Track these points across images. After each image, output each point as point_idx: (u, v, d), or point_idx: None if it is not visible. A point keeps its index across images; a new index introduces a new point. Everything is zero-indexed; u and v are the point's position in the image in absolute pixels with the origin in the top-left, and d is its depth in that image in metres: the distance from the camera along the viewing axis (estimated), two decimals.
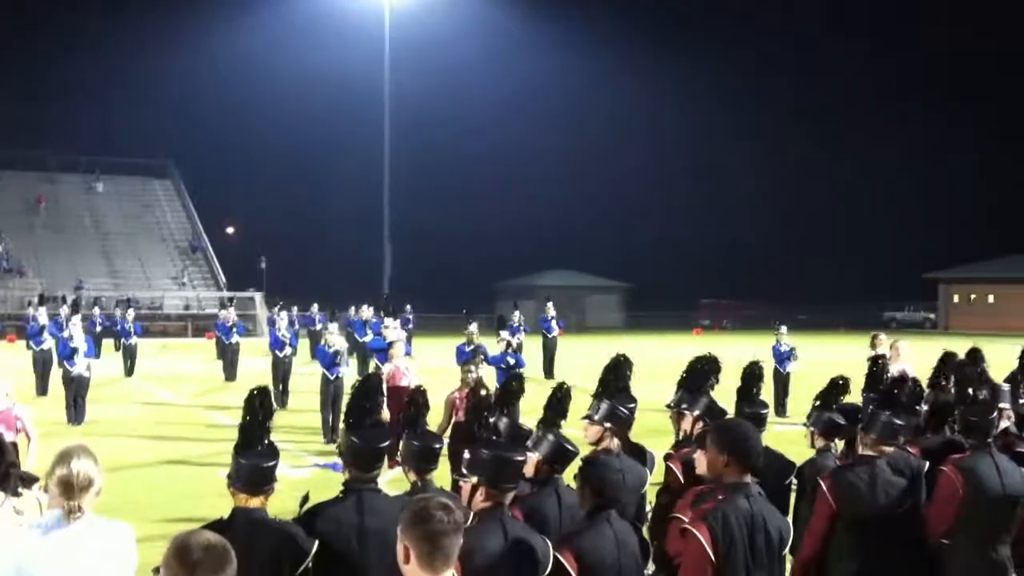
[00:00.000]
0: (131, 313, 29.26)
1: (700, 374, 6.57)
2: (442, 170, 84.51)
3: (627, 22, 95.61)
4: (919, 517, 5.60)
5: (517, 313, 25.72)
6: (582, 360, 26.14)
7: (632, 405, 6.37)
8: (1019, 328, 51.25)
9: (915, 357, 12.95)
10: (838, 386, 6.26)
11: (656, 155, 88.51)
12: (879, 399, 5.91)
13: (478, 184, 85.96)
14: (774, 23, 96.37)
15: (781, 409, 18.39)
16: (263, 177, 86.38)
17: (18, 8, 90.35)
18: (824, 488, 5.35)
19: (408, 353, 17.33)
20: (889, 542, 5.39)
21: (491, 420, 5.03)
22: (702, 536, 4.19)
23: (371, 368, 18.98)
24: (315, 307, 34.49)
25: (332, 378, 16.01)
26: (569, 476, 4.93)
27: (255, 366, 26.44)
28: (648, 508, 5.96)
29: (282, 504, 4.67)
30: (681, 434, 6.35)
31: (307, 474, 12.96)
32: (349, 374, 16.70)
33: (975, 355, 7.43)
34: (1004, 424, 6.54)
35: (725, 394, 6.52)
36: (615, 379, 6.32)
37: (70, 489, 4.11)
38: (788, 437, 10.57)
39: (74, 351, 18.11)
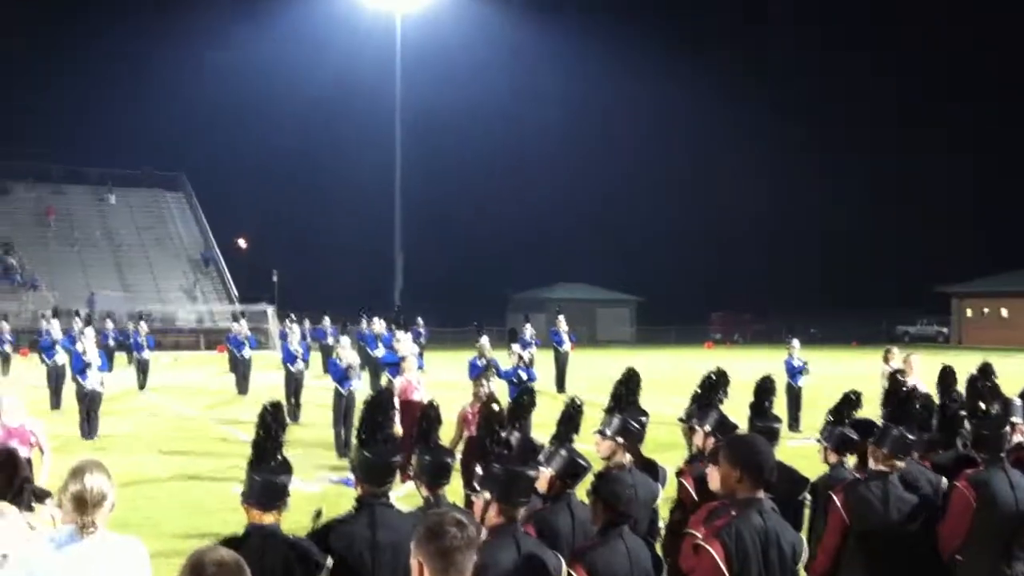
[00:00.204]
0: (144, 327, 29.33)
1: (710, 388, 6.57)
2: (453, 182, 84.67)
3: (638, 31, 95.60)
4: (932, 532, 5.58)
5: (529, 327, 25.70)
6: (593, 374, 26.14)
7: (644, 419, 6.37)
8: None
9: (928, 371, 12.88)
10: (851, 401, 6.25)
11: (668, 168, 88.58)
12: (889, 413, 5.90)
13: (489, 196, 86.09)
14: (802, 17, 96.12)
15: (794, 424, 18.33)
16: (275, 190, 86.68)
17: (28, 21, 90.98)
18: (837, 502, 5.34)
19: (420, 367, 17.37)
20: (901, 557, 5.37)
21: (503, 435, 5.04)
22: (715, 552, 4.18)
23: (383, 382, 18.98)
24: (327, 320, 34.51)
25: (344, 392, 16.02)
26: (582, 491, 4.92)
27: (267, 380, 26.47)
28: (661, 524, 5.95)
29: (295, 519, 4.68)
30: (694, 449, 6.34)
31: (319, 489, 12.95)
32: (361, 388, 16.71)
33: (987, 370, 7.40)
34: (1017, 439, 6.51)
35: (737, 409, 6.51)
36: (626, 393, 6.32)
37: (83, 504, 4.13)
38: (801, 452, 10.54)
39: (87, 365, 18.16)
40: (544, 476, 5.01)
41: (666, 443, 10.98)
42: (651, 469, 6.15)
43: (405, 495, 10.75)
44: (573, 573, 4.28)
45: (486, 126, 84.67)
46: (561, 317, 27.78)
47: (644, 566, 4.50)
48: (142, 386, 26.98)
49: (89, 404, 18.03)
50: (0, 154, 60.72)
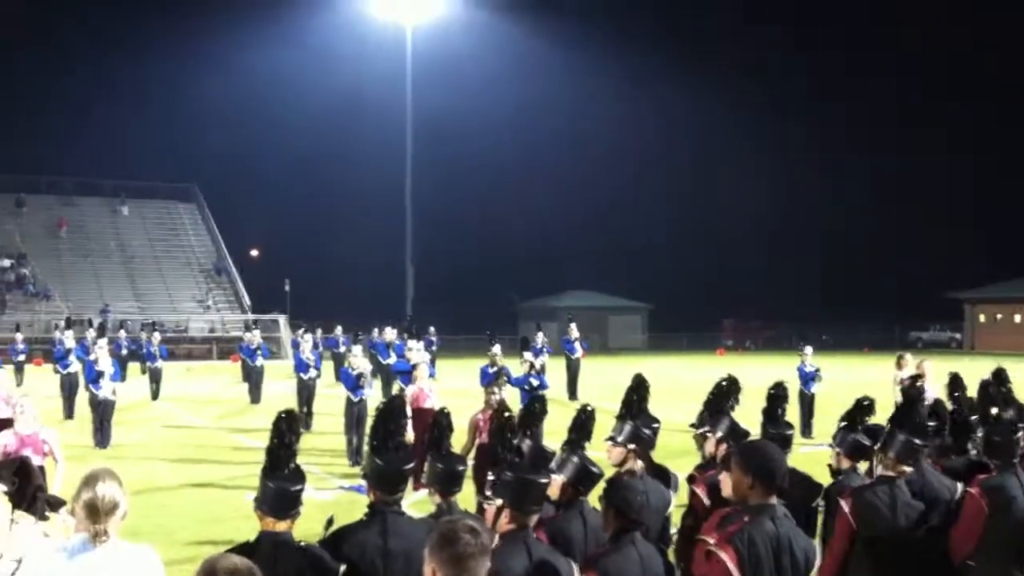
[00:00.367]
0: (156, 336, 29.45)
1: (721, 395, 6.56)
2: (464, 191, 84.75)
3: (642, 39, 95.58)
4: (941, 538, 5.57)
5: (540, 334, 25.70)
6: (605, 381, 26.11)
7: (656, 426, 6.37)
8: None
9: (941, 377, 12.84)
10: (863, 407, 6.23)
11: (676, 175, 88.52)
12: (895, 418, 5.89)
13: (499, 205, 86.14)
14: (802, 17, 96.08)
15: (806, 430, 18.29)
16: (287, 200, 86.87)
17: (41, 35, 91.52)
18: (845, 508, 5.34)
19: (432, 375, 17.38)
20: (909, 562, 5.36)
21: (515, 442, 5.04)
22: (728, 558, 4.18)
23: (395, 390, 19.00)
24: (339, 329, 34.58)
25: (356, 400, 16.04)
26: (594, 498, 4.92)
27: (280, 389, 26.53)
28: (673, 531, 5.94)
29: (307, 527, 4.68)
30: (706, 455, 6.33)
31: (332, 497, 12.96)
32: (373, 396, 16.73)
33: (1001, 375, 7.38)
34: None
35: (749, 415, 6.50)
36: (637, 400, 6.32)
37: (96, 513, 4.14)
38: (814, 458, 10.51)
39: (100, 374, 18.23)
40: (556, 483, 5.01)
41: (678, 450, 10.96)
42: (663, 476, 6.14)
43: (416, 502, 10.76)
44: None
45: (495, 135, 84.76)
46: (573, 325, 27.76)
47: (656, 573, 4.50)
48: (155, 396, 27.06)
49: (102, 413, 18.10)
50: (14, 167, 61.23)
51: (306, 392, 20.86)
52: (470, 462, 9.75)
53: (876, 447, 5.72)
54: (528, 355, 17.28)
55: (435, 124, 71.90)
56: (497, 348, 17.60)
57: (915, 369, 15.49)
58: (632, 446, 5.75)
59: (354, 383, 16.08)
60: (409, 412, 6.64)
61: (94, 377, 18.32)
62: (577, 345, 26.94)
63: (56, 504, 5.17)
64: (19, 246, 54.76)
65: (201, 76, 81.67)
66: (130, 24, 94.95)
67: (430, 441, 5.15)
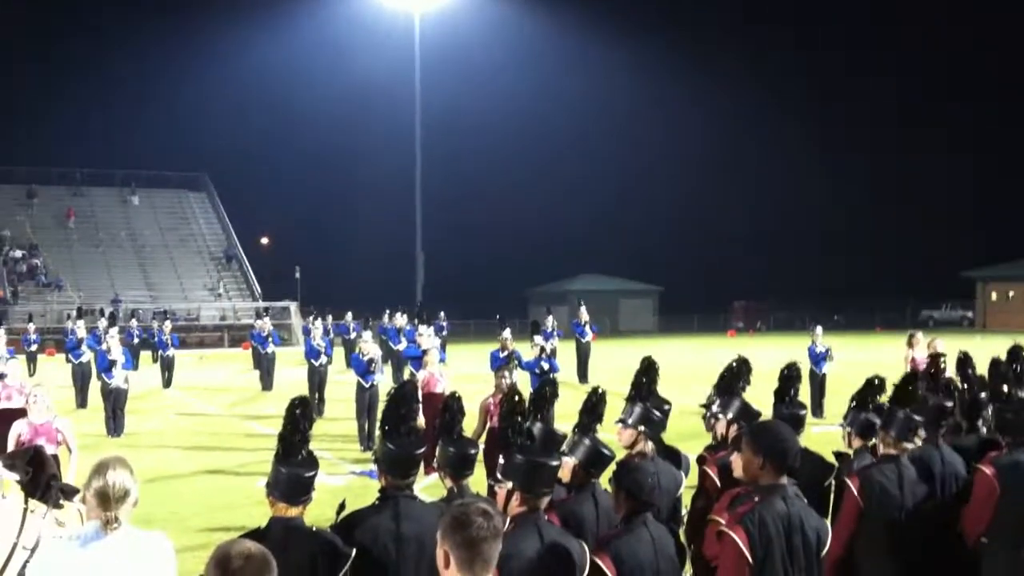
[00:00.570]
0: (168, 325, 29.51)
1: (732, 376, 6.55)
2: (473, 178, 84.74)
3: (650, 23, 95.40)
4: (949, 515, 5.57)
5: (550, 318, 25.71)
6: (616, 364, 26.10)
7: (667, 408, 6.36)
8: None
9: (952, 356, 12.81)
10: (874, 386, 6.22)
11: (688, 158, 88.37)
12: (893, 396, 5.89)
13: (509, 190, 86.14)
14: (802, 17, 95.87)
15: (818, 410, 18.27)
16: (296, 188, 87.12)
17: (51, 26, 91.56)
18: (852, 488, 5.33)
19: (442, 360, 17.38)
20: (917, 540, 5.36)
21: (525, 425, 5.04)
22: (739, 538, 4.18)
23: (406, 376, 19.02)
24: (349, 316, 34.62)
25: (367, 386, 16.07)
26: (605, 481, 4.92)
27: (291, 375, 26.59)
28: (683, 512, 5.95)
29: (319, 512, 4.70)
30: (718, 437, 6.33)
31: (343, 482, 13.00)
32: (384, 382, 16.76)
33: (1018, 352, 7.33)
34: None
35: (760, 396, 6.49)
36: (647, 382, 6.31)
37: (106, 500, 4.15)
38: (826, 438, 10.50)
39: (112, 363, 18.29)
40: (568, 465, 5.02)
41: (689, 432, 10.95)
42: (674, 457, 6.14)
43: (428, 486, 10.78)
44: (599, 562, 4.28)
45: (505, 121, 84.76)
46: (583, 308, 27.73)
47: (668, 554, 4.50)
48: (167, 384, 27.14)
49: (115, 402, 18.17)
50: (26, 158, 61.46)
51: (317, 378, 20.90)
52: (481, 446, 9.76)
53: (879, 426, 5.73)
54: (539, 339, 17.28)
55: (445, 111, 71.95)
56: (507, 332, 17.61)
57: (927, 348, 15.47)
58: (642, 428, 5.75)
59: (365, 369, 16.10)
60: (420, 397, 6.64)
61: (106, 366, 18.38)
62: (587, 328, 26.93)
63: (70, 493, 5.19)
64: (31, 237, 54.90)
65: (210, 66, 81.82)
66: (140, 17, 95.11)
67: (441, 426, 5.16)
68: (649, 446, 5.74)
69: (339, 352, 30.05)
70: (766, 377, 7.33)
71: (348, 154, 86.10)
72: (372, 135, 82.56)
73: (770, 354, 19.11)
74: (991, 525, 5.49)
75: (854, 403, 6.17)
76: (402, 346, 25.22)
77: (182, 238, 59.63)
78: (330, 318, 33.92)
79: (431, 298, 51.16)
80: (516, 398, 5.07)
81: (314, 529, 4.32)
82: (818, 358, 19.22)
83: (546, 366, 16.10)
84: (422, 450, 4.73)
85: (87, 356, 22.51)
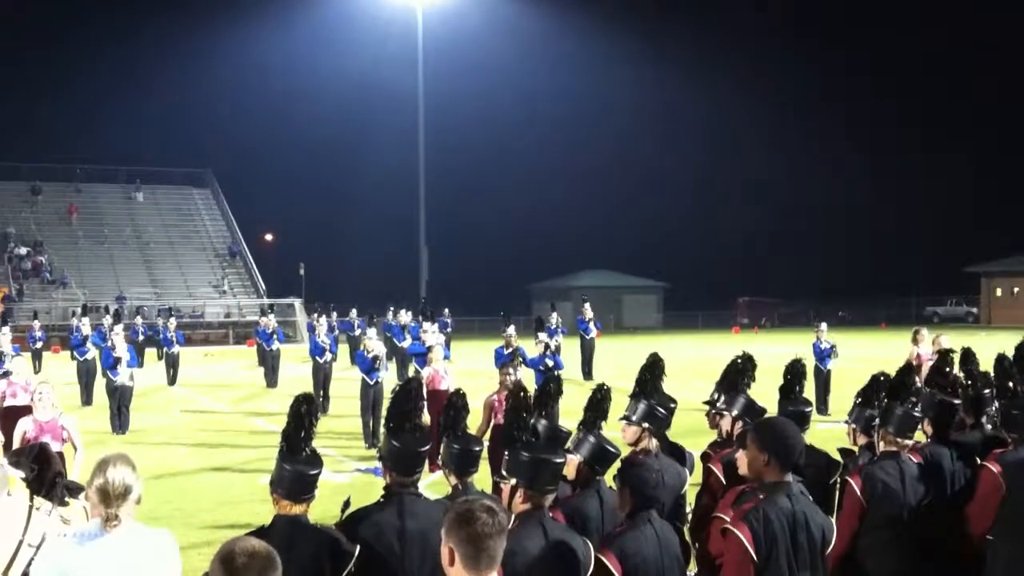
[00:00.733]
0: (173, 322, 29.55)
1: (736, 373, 6.54)
2: (477, 173, 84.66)
3: (655, 20, 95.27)
4: (951, 512, 5.57)
5: (555, 315, 25.70)
6: (621, 360, 26.11)
7: (672, 405, 6.36)
8: None
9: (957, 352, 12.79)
10: (879, 383, 6.21)
11: (692, 154, 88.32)
12: (890, 392, 5.87)
13: (513, 186, 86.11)
14: (801, 17, 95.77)
15: (822, 407, 18.26)
16: (301, 185, 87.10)
17: (55, 21, 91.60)
18: (855, 486, 5.33)
19: (447, 357, 17.39)
20: (921, 537, 5.36)
21: (530, 422, 5.04)
22: (743, 536, 4.17)
23: (410, 372, 19.03)
24: (354, 312, 34.62)
25: (371, 383, 16.08)
26: (610, 478, 4.92)
27: (296, 372, 26.62)
28: (688, 509, 5.94)
29: (324, 509, 4.70)
30: (723, 434, 6.32)
31: (348, 479, 13.02)
32: (388, 379, 16.77)
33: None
34: None
35: (765, 393, 6.49)
36: (651, 379, 6.31)
37: (107, 497, 4.15)
38: (830, 435, 10.50)
39: (117, 361, 18.31)
40: (572, 462, 5.01)
41: (693, 429, 10.94)
42: (678, 454, 6.14)
43: (432, 483, 10.80)
44: (603, 559, 4.28)
45: (509, 117, 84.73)
46: (587, 305, 27.72)
47: (673, 551, 4.50)
48: (172, 381, 27.17)
49: (120, 399, 18.20)
50: (30, 155, 61.51)
51: (322, 375, 20.92)
52: (485, 443, 9.76)
53: (876, 423, 5.73)
54: (543, 335, 17.27)
55: (448, 106, 71.87)
56: (512, 329, 17.60)
57: (932, 344, 15.45)
58: (646, 425, 5.75)
59: (369, 366, 16.11)
60: (424, 394, 6.64)
61: (111, 363, 18.40)
62: (591, 325, 26.92)
63: (75, 490, 5.20)
64: (35, 234, 55.00)
65: (214, 63, 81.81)
66: (145, 13, 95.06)
67: (445, 423, 5.15)
68: (653, 443, 5.74)
69: (344, 349, 30.08)
70: (771, 374, 7.32)
71: (352, 150, 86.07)
72: (376, 131, 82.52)
73: (774, 350, 19.09)
74: (996, 522, 5.48)
75: (859, 400, 6.17)
76: (406, 343, 25.23)
77: (186, 235, 59.70)
78: (335, 315, 33.88)
79: (435, 294, 51.20)
80: (522, 394, 5.07)
81: (319, 526, 4.32)
82: (823, 355, 19.20)
83: (550, 363, 16.10)
84: (427, 447, 4.73)
85: (92, 353, 22.56)
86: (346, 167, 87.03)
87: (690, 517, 5.90)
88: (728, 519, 4.37)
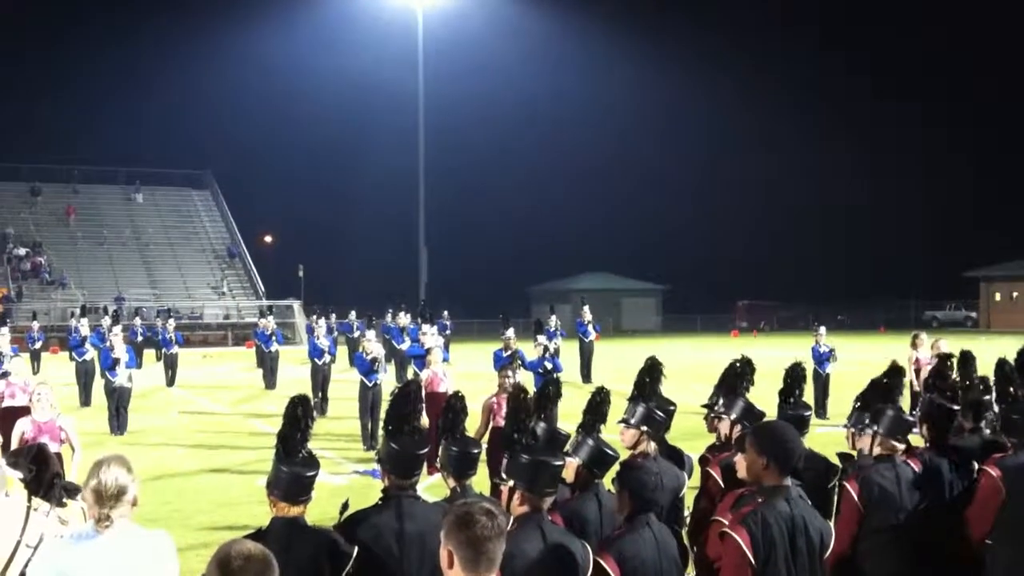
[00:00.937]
0: (171, 323, 29.53)
1: (735, 376, 6.54)
2: (477, 175, 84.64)
3: (657, 23, 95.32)
4: (953, 516, 5.56)
5: (554, 317, 25.69)
6: (619, 364, 26.09)
7: (671, 408, 6.35)
8: None
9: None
10: (879, 387, 6.21)
11: (692, 154, 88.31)
12: (882, 396, 5.87)
13: (513, 188, 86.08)
14: (800, 17, 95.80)
15: (821, 411, 18.26)
16: (300, 186, 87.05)
17: (55, 22, 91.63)
18: (852, 492, 5.33)
19: (445, 359, 17.38)
20: (919, 540, 5.35)
21: (529, 425, 5.04)
22: (741, 539, 4.17)
23: (409, 375, 19.02)
24: (353, 314, 34.61)
25: (370, 385, 16.08)
26: (608, 481, 4.92)
27: (294, 374, 26.61)
28: (686, 513, 5.94)
29: (322, 511, 4.70)
30: (722, 437, 6.32)
31: (346, 481, 13.01)
32: (387, 381, 16.76)
33: None
34: None
35: (763, 397, 6.48)
36: (650, 382, 6.31)
37: (100, 498, 4.14)
38: (829, 439, 10.48)
39: (116, 362, 18.30)
40: (571, 465, 5.01)
41: (691, 432, 10.94)
42: (677, 458, 6.14)
43: (430, 486, 10.79)
44: (602, 562, 4.28)
45: (509, 118, 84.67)
46: (586, 308, 27.73)
47: (671, 554, 4.50)
48: (171, 382, 27.15)
49: (118, 400, 18.19)
50: (29, 156, 61.50)
51: (320, 377, 20.92)
52: (484, 446, 9.76)
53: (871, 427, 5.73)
54: (542, 338, 17.26)
55: (448, 108, 71.86)
56: (511, 331, 17.60)
57: (930, 349, 15.45)
58: (645, 428, 5.75)
59: (368, 368, 16.11)
60: (423, 396, 6.63)
61: (110, 364, 18.40)
62: (590, 328, 26.92)
63: (73, 491, 5.20)
64: (34, 235, 55.01)
65: (214, 64, 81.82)
66: (144, 12, 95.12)
67: (444, 425, 5.15)
68: (652, 446, 5.74)
69: (342, 351, 30.07)
70: (770, 377, 7.32)
71: (352, 152, 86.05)
72: (376, 133, 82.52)
73: (773, 354, 19.09)
74: (995, 526, 5.48)
75: (858, 404, 6.17)
76: (405, 345, 25.23)
77: (186, 236, 59.70)
78: (333, 316, 33.90)
79: (435, 296, 51.20)
80: (522, 396, 5.06)
81: (317, 527, 4.32)
82: (821, 358, 19.19)
83: (549, 365, 16.10)
84: (425, 450, 4.72)
85: (91, 354, 22.55)
86: (346, 168, 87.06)
87: (688, 520, 5.89)
88: (726, 523, 4.37)
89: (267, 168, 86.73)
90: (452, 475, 4.93)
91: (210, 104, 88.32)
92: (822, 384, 19.01)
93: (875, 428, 5.61)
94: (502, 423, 9.62)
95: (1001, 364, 6.78)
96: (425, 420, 6.64)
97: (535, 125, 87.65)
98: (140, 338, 32.79)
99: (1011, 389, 6.36)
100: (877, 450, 5.61)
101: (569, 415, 7.01)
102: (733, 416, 6.09)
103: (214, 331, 50.15)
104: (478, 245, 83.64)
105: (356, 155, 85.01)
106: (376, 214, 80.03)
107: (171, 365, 27.53)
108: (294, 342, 43.87)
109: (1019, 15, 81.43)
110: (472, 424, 6.58)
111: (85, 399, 22.35)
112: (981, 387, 6.76)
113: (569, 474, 5.00)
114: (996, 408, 6.47)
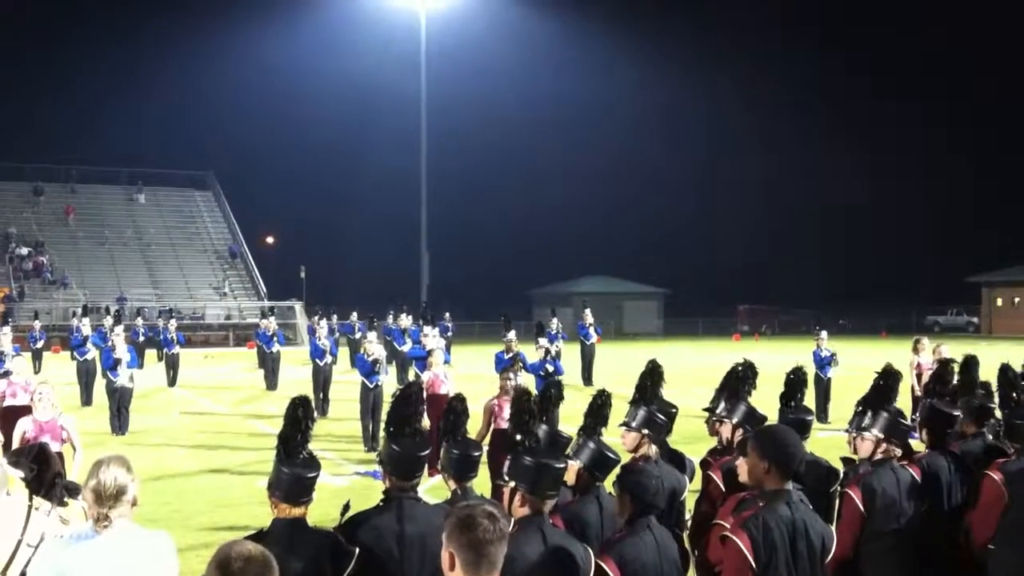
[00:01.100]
0: (173, 323, 29.54)
1: (737, 380, 6.53)
2: (479, 178, 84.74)
3: (657, 23, 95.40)
4: (954, 520, 5.56)
5: (555, 320, 25.69)
6: (621, 367, 26.08)
7: (673, 411, 6.35)
8: None
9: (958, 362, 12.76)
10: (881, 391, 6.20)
11: (692, 154, 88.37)
12: (876, 401, 5.86)
13: (514, 191, 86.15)
14: (800, 18, 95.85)
15: (822, 415, 18.24)
16: (302, 188, 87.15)
17: (59, 23, 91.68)
18: (855, 497, 5.33)
19: (447, 361, 17.36)
20: (920, 545, 5.35)
21: (531, 427, 5.03)
22: (742, 543, 4.17)
23: (410, 376, 19.02)
24: (354, 316, 34.61)
25: (371, 386, 16.07)
26: (609, 484, 4.92)
27: (296, 375, 26.60)
28: (688, 516, 5.94)
29: (323, 512, 4.69)
30: (723, 441, 6.32)
31: (347, 482, 13.00)
32: (388, 382, 16.75)
33: None
34: None
35: (765, 401, 6.48)
36: (651, 385, 6.30)
37: (99, 498, 4.14)
38: (831, 443, 10.49)
39: (117, 361, 18.30)
40: (572, 468, 5.01)
41: (693, 435, 10.94)
42: (678, 461, 6.13)
43: (432, 488, 10.78)
44: (603, 565, 4.27)
45: (511, 121, 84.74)
46: (587, 311, 27.73)
47: (672, 557, 4.49)
48: (172, 383, 27.15)
49: (120, 400, 18.19)
50: (30, 156, 61.56)
51: (322, 378, 20.92)
52: (485, 448, 9.76)
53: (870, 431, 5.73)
54: (543, 341, 17.25)
55: (450, 110, 71.92)
56: (512, 334, 17.59)
57: (932, 354, 15.43)
58: (646, 431, 5.75)
59: (369, 369, 16.10)
60: (424, 398, 6.62)
61: (111, 364, 18.39)
62: (592, 331, 26.91)
63: (74, 490, 5.20)
64: (36, 234, 55.07)
65: (217, 65, 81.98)
66: (144, 12, 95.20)
67: (445, 427, 5.15)
68: (653, 449, 5.74)
69: (344, 352, 30.07)
70: (771, 381, 7.31)
71: (354, 153, 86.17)
72: (378, 134, 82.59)
73: (775, 358, 19.08)
74: (998, 531, 5.48)
75: (859, 408, 6.16)
76: (407, 347, 25.23)
77: (188, 237, 59.75)
78: (335, 318, 33.92)
79: (436, 298, 51.21)
80: (526, 399, 5.06)
81: (318, 528, 4.32)
82: (823, 362, 19.17)
83: (551, 368, 16.09)
84: (427, 452, 4.72)
85: (92, 354, 22.55)
86: (348, 170, 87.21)
87: (690, 524, 5.89)
88: (728, 526, 4.36)
89: (269, 169, 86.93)
90: (453, 477, 4.93)
91: (212, 105, 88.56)
92: (823, 388, 18.99)
93: (874, 432, 5.61)
94: (503, 425, 9.62)
95: (1004, 369, 6.77)
96: (426, 422, 6.65)
97: (537, 127, 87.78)
98: (142, 338, 32.81)
99: (1014, 394, 6.36)
100: (878, 455, 5.61)
101: (570, 418, 7.01)
102: (735, 420, 6.09)
103: (216, 331, 50.18)
104: (480, 247, 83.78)
105: (358, 156, 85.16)
106: (378, 215, 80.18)
107: (172, 365, 27.54)
108: (295, 343, 43.90)
109: (1019, 15, 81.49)
110: (473, 426, 6.57)
111: (86, 399, 22.36)
112: (983, 392, 6.75)
113: (570, 477, 5.00)
114: (999, 413, 6.46)
